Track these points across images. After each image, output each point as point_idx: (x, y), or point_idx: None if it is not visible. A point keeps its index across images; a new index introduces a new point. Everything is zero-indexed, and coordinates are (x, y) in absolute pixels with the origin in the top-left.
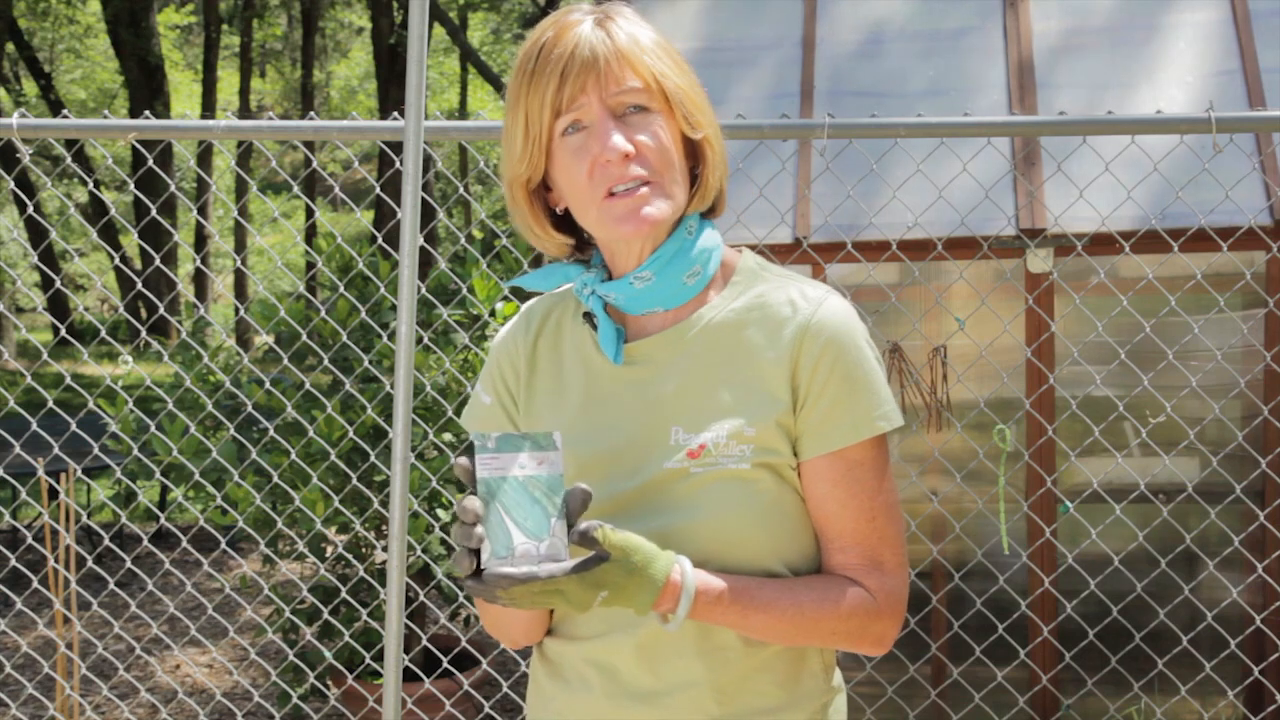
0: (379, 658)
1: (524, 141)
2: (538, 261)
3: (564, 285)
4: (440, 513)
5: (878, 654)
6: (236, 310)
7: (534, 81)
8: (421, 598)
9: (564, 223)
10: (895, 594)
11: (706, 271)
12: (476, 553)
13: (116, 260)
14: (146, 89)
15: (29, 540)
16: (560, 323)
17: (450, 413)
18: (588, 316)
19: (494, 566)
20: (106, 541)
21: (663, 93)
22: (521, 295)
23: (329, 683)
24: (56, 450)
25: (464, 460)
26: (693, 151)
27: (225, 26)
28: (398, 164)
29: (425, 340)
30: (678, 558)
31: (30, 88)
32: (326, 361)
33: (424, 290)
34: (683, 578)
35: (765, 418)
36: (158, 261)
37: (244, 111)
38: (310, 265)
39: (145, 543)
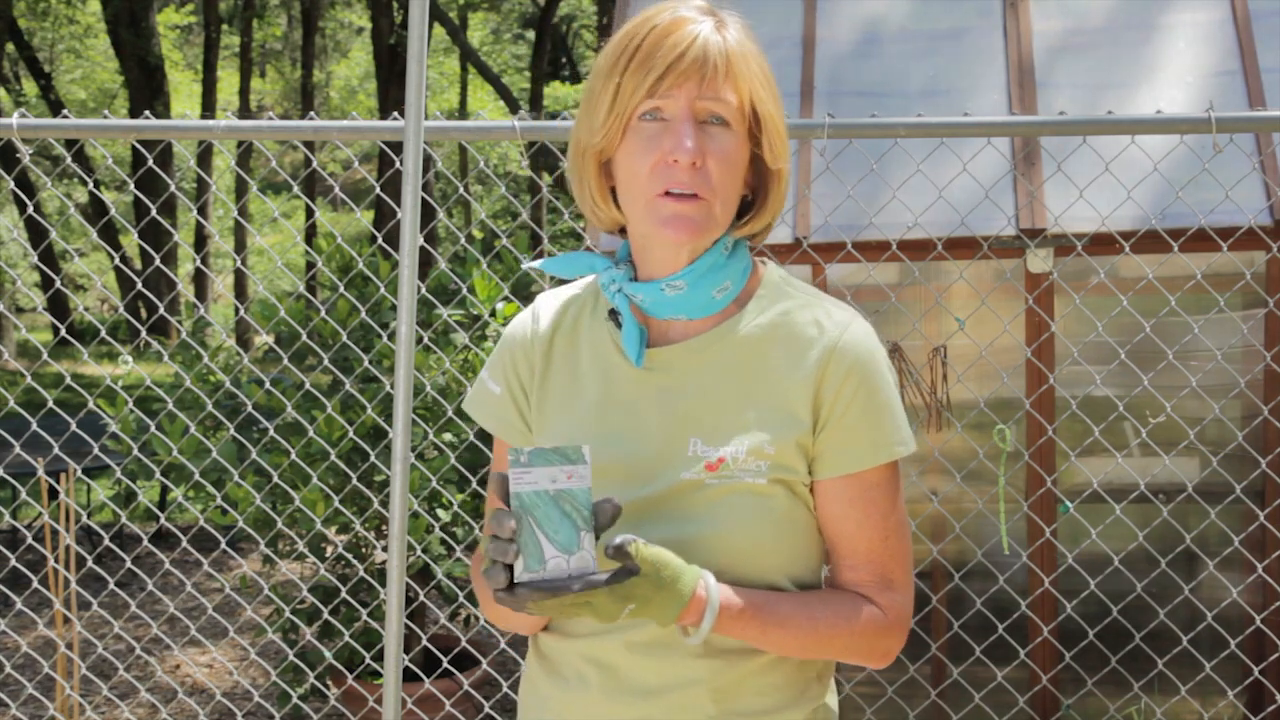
0: (379, 658)
1: (608, 114)
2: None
3: (584, 275)
4: (440, 513)
5: (882, 667)
6: (236, 310)
7: (638, 60)
8: (421, 598)
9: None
10: (903, 610)
11: (735, 288)
12: (509, 566)
13: (116, 260)
14: (146, 89)
15: (29, 540)
16: (578, 320)
17: (450, 413)
18: (613, 314)
19: (525, 578)
20: (106, 541)
21: (753, 116)
22: (522, 295)
23: (329, 683)
24: (56, 450)
25: (500, 475)
26: (754, 178)
27: (225, 26)
28: (398, 164)
29: (425, 340)
30: (702, 572)
31: (30, 88)
32: (326, 361)
33: (424, 290)
34: (707, 593)
35: (785, 437)
36: (158, 261)
37: (244, 111)
38: (310, 265)
39: (145, 543)
